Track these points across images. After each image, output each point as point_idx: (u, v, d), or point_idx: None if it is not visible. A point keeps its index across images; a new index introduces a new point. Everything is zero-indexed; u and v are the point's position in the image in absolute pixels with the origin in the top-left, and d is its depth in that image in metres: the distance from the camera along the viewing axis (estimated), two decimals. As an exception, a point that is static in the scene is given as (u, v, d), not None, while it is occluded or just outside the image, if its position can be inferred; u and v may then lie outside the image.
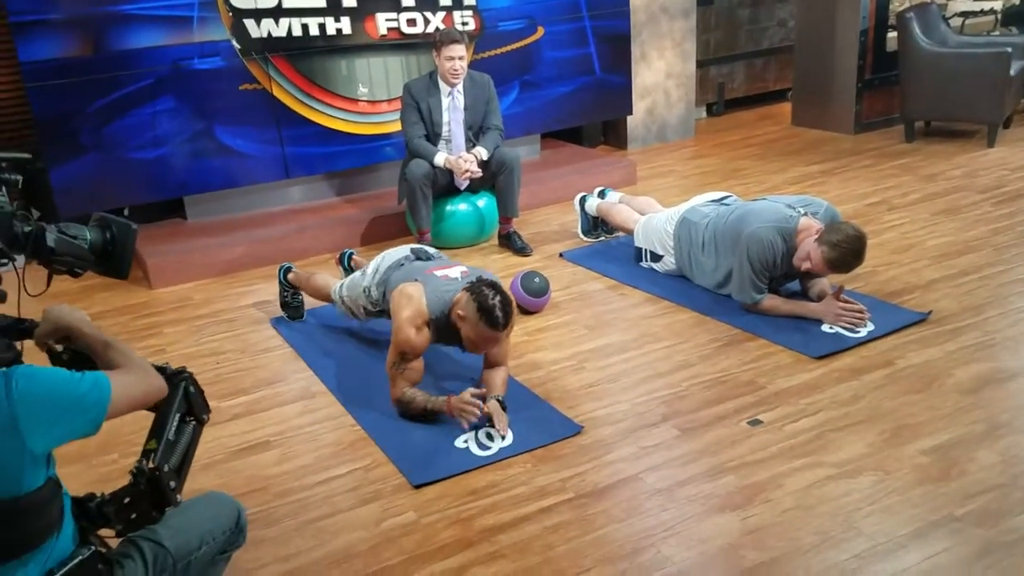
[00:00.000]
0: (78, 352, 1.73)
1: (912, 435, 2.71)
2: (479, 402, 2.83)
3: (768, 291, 3.57)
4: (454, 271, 3.04)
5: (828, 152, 6.08)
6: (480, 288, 2.81)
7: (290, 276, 3.81)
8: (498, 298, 2.78)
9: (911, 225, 4.55)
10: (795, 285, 3.76)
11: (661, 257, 4.05)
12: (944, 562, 2.17)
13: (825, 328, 3.41)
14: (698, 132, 6.88)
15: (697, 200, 4.02)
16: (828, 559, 2.21)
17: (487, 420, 2.89)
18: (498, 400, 2.93)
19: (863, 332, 3.37)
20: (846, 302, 3.41)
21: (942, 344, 3.26)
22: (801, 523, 2.35)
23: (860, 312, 3.39)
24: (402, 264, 3.22)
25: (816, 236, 3.37)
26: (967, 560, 2.17)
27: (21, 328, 1.73)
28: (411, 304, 2.89)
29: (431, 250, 3.38)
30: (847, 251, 3.30)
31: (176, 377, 1.78)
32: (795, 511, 2.40)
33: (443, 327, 2.91)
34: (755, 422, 2.84)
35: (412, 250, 3.32)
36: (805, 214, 3.49)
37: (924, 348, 3.25)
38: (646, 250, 4.13)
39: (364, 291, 3.32)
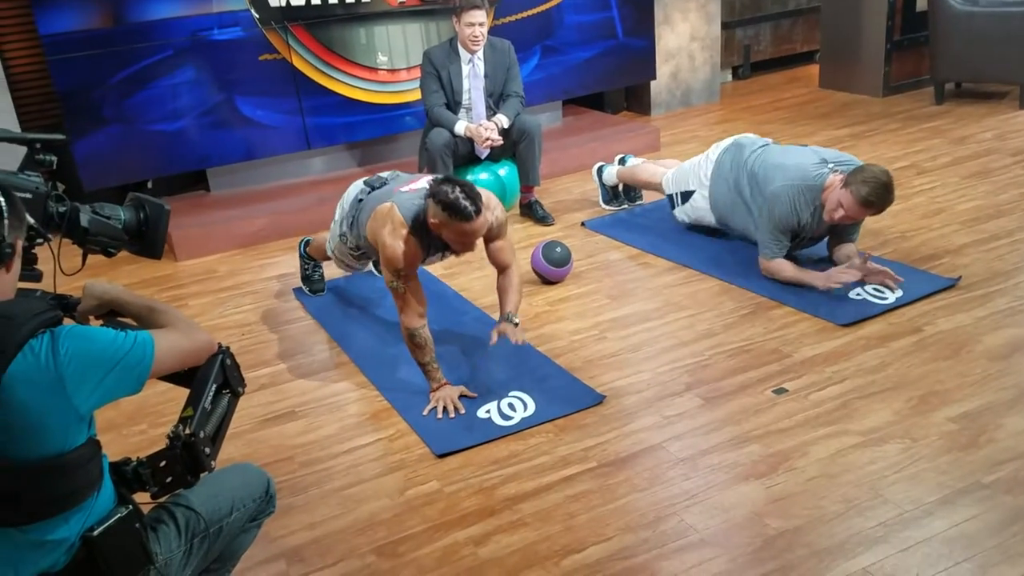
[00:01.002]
0: (115, 327, 1.75)
1: (940, 402, 2.68)
2: (462, 407, 2.83)
3: (792, 250, 3.50)
4: (419, 183, 2.95)
5: (856, 115, 5.97)
6: (439, 188, 2.72)
7: (309, 249, 3.82)
8: (458, 190, 2.69)
9: (941, 189, 4.46)
10: (822, 250, 3.70)
11: (692, 194, 3.94)
12: (971, 530, 2.15)
13: (852, 295, 3.37)
14: (723, 96, 6.77)
15: (743, 137, 3.91)
16: (853, 527, 2.19)
17: (510, 386, 2.90)
18: (511, 320, 2.94)
19: (891, 298, 3.32)
20: (873, 267, 3.36)
21: (971, 310, 3.21)
22: (826, 491, 2.33)
23: (873, 273, 3.34)
24: (360, 199, 3.12)
25: (841, 184, 3.27)
26: (995, 527, 2.15)
27: (63, 304, 1.76)
28: (387, 218, 2.82)
29: (385, 174, 3.26)
30: (878, 184, 3.18)
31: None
32: (820, 479, 2.38)
33: (424, 236, 2.83)
34: (780, 391, 2.82)
35: (365, 182, 3.22)
36: (836, 170, 3.38)
37: (953, 314, 3.20)
38: (676, 194, 4.04)
39: (341, 237, 3.27)
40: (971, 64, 5.82)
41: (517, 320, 2.98)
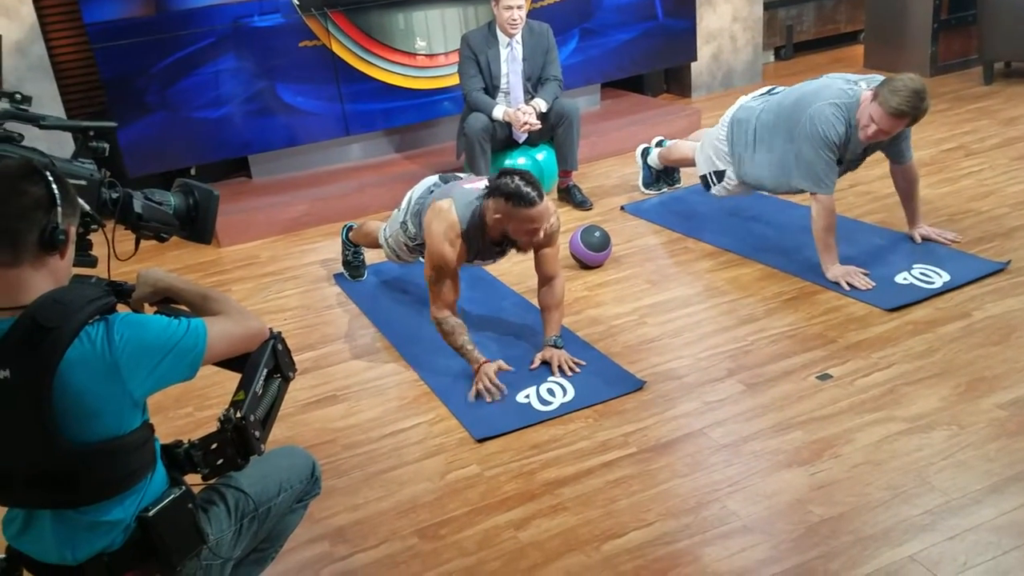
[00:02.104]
0: (167, 315, 1.78)
1: (988, 388, 2.63)
2: (502, 387, 2.83)
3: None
4: (482, 182, 2.97)
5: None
6: (498, 181, 2.76)
7: (352, 235, 3.84)
8: (518, 179, 2.72)
9: (990, 171, 4.36)
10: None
11: (724, 172, 3.83)
12: (1020, 518, 2.11)
13: (899, 279, 3.31)
14: (765, 77, 6.66)
15: (744, 99, 3.81)
16: (899, 514, 2.17)
17: (549, 371, 2.91)
18: (554, 345, 2.95)
19: (938, 283, 3.25)
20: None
21: (1021, 295, 3.14)
22: (871, 478, 2.30)
23: (862, 276, 3.29)
24: (431, 191, 3.15)
25: (871, 98, 3.14)
26: (1046, 517, 2.11)
27: (119, 291, 1.79)
28: (442, 217, 2.85)
29: (460, 174, 3.30)
30: (907, 91, 3.04)
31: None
32: (865, 466, 2.35)
33: (477, 238, 2.86)
34: (824, 376, 2.79)
35: (440, 176, 3.25)
36: (869, 89, 3.24)
37: (1002, 299, 3.13)
38: (710, 173, 3.91)
39: (402, 226, 3.28)
40: (1021, 43, 5.66)
41: (562, 344, 2.99)
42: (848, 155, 3.36)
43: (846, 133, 3.26)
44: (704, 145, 3.95)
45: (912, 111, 3.09)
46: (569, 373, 2.91)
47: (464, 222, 2.85)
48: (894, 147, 3.44)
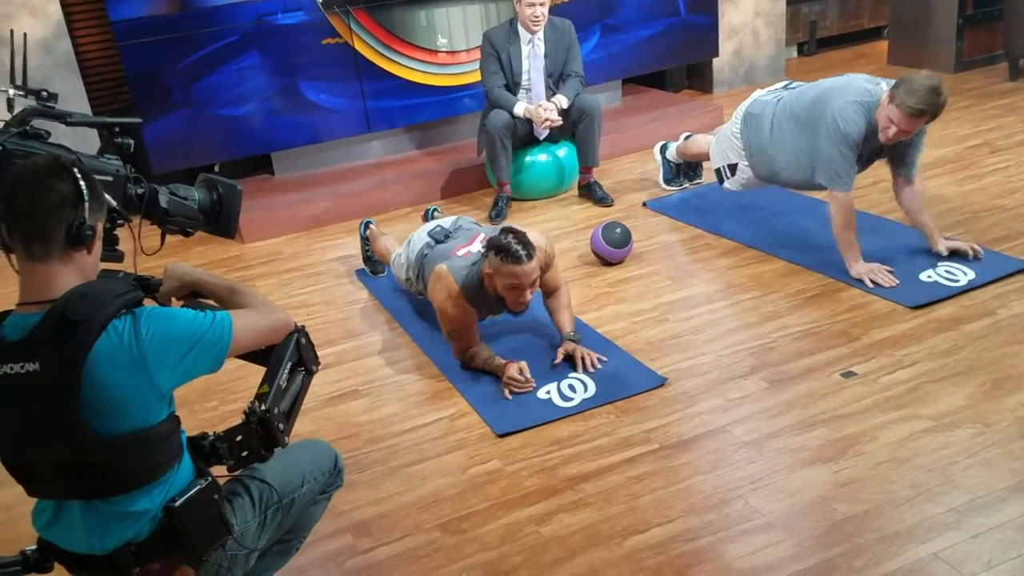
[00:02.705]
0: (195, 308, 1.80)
1: (1014, 387, 2.61)
2: (532, 381, 2.86)
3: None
4: (475, 245, 3.05)
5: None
6: (492, 240, 2.83)
7: (368, 232, 3.87)
8: (510, 236, 2.79)
9: (1015, 168, 4.31)
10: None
11: (736, 166, 3.82)
12: (1048, 518, 2.10)
13: (923, 277, 3.28)
14: (788, 73, 6.62)
15: (758, 93, 3.79)
16: (923, 512, 2.15)
17: (570, 367, 2.92)
18: (572, 339, 2.97)
19: (963, 280, 3.22)
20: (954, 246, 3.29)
21: (1049, 293, 3.11)
22: (895, 476, 2.29)
23: (886, 274, 3.26)
24: (425, 254, 3.22)
25: (888, 99, 3.11)
26: (1073, 517, 2.09)
27: (146, 285, 1.81)
28: (442, 286, 2.93)
29: (445, 224, 3.34)
30: (923, 90, 3.01)
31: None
32: (889, 464, 2.34)
33: (479, 298, 2.93)
34: (848, 374, 2.77)
35: (429, 234, 3.29)
36: (887, 89, 3.20)
37: (1029, 297, 3.10)
38: (724, 167, 3.90)
39: (407, 281, 3.38)
40: (1049, 38, 5.59)
41: (580, 337, 3.03)
42: (864, 153, 3.33)
43: (866, 131, 3.24)
44: (719, 139, 3.94)
45: (931, 108, 3.06)
46: (591, 369, 2.91)
47: (464, 287, 2.90)
48: (907, 154, 3.38)
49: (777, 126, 3.56)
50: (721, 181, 3.95)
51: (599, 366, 2.93)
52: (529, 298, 2.86)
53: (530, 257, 2.77)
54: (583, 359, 2.94)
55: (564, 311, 3.08)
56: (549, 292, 3.11)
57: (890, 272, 3.29)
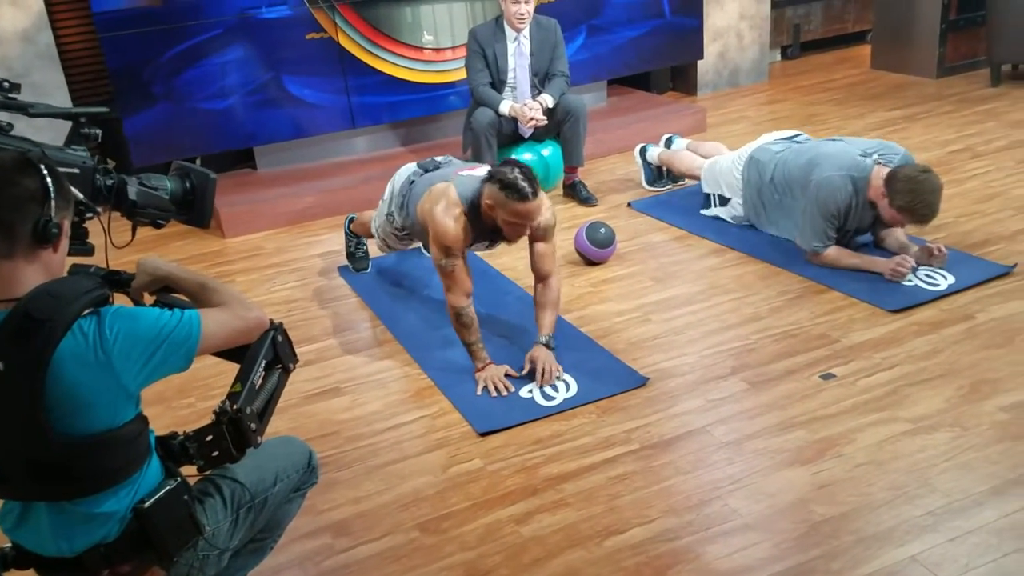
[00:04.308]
0: (165, 304, 1.78)
1: (992, 391, 2.63)
2: (510, 385, 2.83)
3: (838, 243, 3.44)
4: (479, 170, 2.97)
5: (909, 97, 5.83)
6: (498, 169, 2.78)
7: (353, 226, 3.85)
8: (517, 170, 2.73)
9: (996, 173, 4.35)
10: (867, 238, 3.63)
11: (728, 200, 3.93)
12: (1022, 520, 2.12)
13: (904, 280, 3.30)
14: (772, 76, 6.66)
15: (766, 138, 3.88)
16: (901, 514, 2.17)
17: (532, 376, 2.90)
18: (545, 344, 2.91)
19: (943, 285, 3.25)
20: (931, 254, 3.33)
21: (1027, 298, 3.14)
22: (873, 478, 2.30)
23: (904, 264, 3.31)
24: (412, 181, 3.15)
25: (883, 195, 3.22)
26: (1048, 520, 2.11)
27: (117, 280, 1.78)
28: (443, 196, 2.85)
29: (439, 158, 3.29)
30: (922, 204, 3.12)
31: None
32: (867, 466, 2.35)
33: (477, 220, 2.86)
34: (828, 376, 2.78)
35: (418, 164, 3.25)
36: (879, 162, 3.34)
37: (1007, 301, 3.12)
38: (714, 195, 4.02)
39: (388, 217, 3.31)
40: (1030, 45, 5.64)
41: (554, 345, 2.96)
42: (854, 224, 3.43)
43: (851, 205, 3.33)
44: (718, 170, 4.01)
45: (922, 210, 3.17)
46: (550, 382, 2.84)
47: (465, 201, 2.84)
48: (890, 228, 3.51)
49: (775, 180, 3.66)
50: (708, 205, 4.05)
51: (552, 381, 2.85)
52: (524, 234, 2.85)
53: (535, 194, 2.72)
54: (542, 371, 2.85)
55: (548, 312, 3.01)
56: (540, 277, 3.01)
57: (909, 261, 3.32)
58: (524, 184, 2.70)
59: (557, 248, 3.03)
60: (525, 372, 2.91)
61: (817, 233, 3.41)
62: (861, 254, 3.44)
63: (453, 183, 2.89)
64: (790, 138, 3.82)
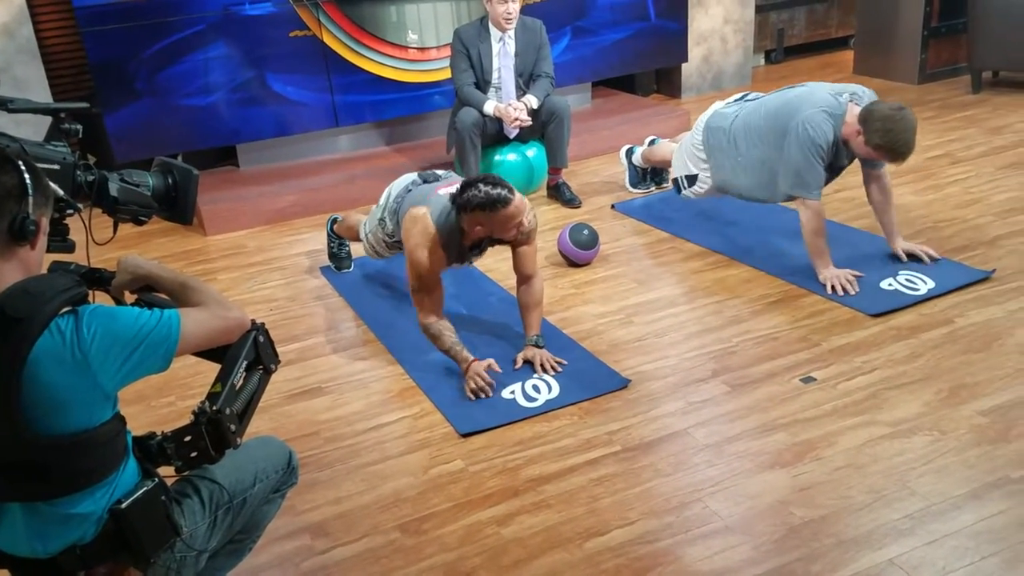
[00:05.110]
0: (146, 303, 1.76)
1: (970, 395, 2.65)
2: (492, 382, 2.84)
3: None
4: (456, 187, 2.96)
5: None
6: (464, 197, 2.77)
7: (336, 227, 3.83)
8: (482, 185, 2.74)
9: (976, 179, 4.39)
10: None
11: (696, 177, 3.82)
12: (999, 524, 2.13)
13: (884, 285, 3.33)
14: (755, 80, 6.69)
15: (717, 106, 3.80)
16: (880, 518, 2.18)
17: (532, 369, 2.92)
18: (535, 344, 2.95)
19: (923, 289, 3.28)
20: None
21: (1004, 303, 3.16)
22: (853, 481, 2.32)
23: (852, 282, 3.30)
24: (410, 190, 3.16)
25: (856, 132, 3.16)
26: (1023, 523, 2.13)
27: (98, 278, 1.76)
28: (417, 226, 2.87)
29: (440, 172, 3.30)
30: (895, 139, 3.07)
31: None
32: (847, 469, 2.37)
33: (455, 243, 2.88)
34: (808, 379, 2.80)
35: (419, 175, 3.27)
36: (851, 100, 3.27)
37: (986, 307, 3.15)
38: (681, 177, 3.90)
39: (380, 222, 3.31)
40: (1010, 52, 5.69)
41: (543, 344, 3.00)
42: (835, 162, 3.37)
43: (835, 140, 3.27)
44: (681, 149, 3.96)
45: (907, 153, 3.13)
46: (551, 372, 2.91)
47: (441, 230, 2.86)
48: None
49: (737, 139, 3.58)
50: (679, 191, 3.97)
51: (558, 369, 2.93)
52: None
53: (512, 191, 2.77)
54: (542, 364, 2.93)
55: (534, 311, 3.03)
56: (523, 278, 3.03)
57: (857, 278, 3.32)
58: (498, 191, 2.73)
59: (540, 249, 3.04)
60: (518, 368, 2.94)
61: (815, 176, 3.28)
62: (827, 247, 3.38)
63: (429, 207, 2.90)
64: (739, 99, 3.76)
